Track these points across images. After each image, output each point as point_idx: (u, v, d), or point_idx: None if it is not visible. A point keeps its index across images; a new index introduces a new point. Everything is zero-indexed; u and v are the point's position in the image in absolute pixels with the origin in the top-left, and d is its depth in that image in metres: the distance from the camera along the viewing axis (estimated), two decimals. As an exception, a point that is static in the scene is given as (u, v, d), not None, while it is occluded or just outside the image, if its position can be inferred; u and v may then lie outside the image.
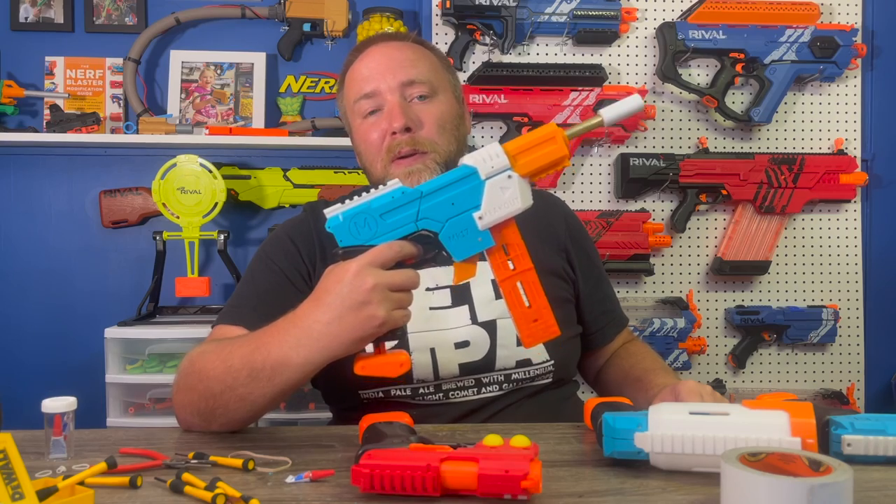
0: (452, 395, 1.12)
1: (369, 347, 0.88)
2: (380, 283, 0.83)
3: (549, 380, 1.15)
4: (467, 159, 0.85)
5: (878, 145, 2.29)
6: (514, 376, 1.12)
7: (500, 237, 0.86)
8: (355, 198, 0.87)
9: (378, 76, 1.14)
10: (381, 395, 1.11)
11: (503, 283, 0.87)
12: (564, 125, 0.87)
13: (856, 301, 2.25)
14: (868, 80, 2.27)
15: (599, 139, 2.15)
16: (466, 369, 1.11)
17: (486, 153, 0.85)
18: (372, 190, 0.87)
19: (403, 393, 1.11)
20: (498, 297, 1.10)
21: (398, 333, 0.88)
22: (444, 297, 1.14)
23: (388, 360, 0.87)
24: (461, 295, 1.13)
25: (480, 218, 0.85)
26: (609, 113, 0.87)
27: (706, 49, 2.14)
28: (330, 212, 0.87)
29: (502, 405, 1.13)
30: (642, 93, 2.14)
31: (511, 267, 0.86)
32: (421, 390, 1.11)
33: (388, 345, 0.89)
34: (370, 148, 1.15)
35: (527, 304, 0.86)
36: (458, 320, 1.12)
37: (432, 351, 1.10)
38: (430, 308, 1.12)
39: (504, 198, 0.84)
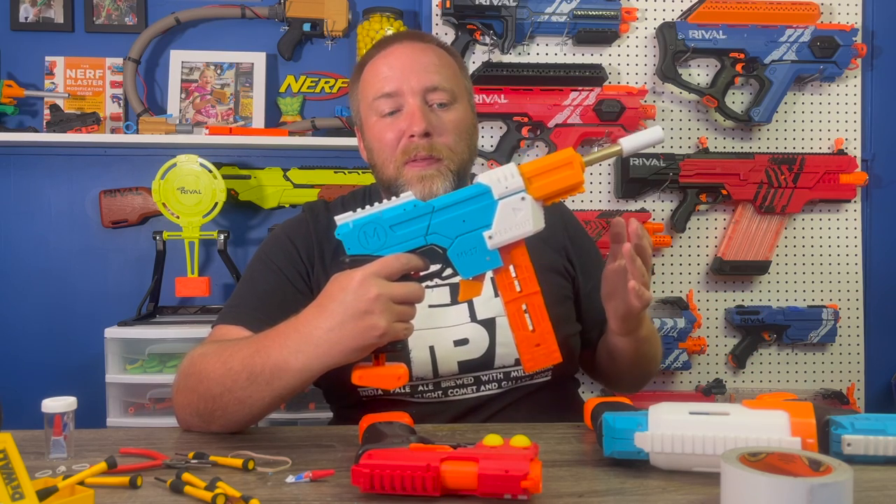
0: (451, 392, 1.12)
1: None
2: (383, 293, 0.83)
3: (549, 377, 1.15)
4: (482, 178, 0.86)
5: (878, 145, 2.29)
6: (513, 374, 1.13)
7: (508, 258, 0.86)
8: (367, 207, 0.87)
9: (401, 76, 1.12)
10: (380, 392, 1.11)
11: (508, 304, 0.87)
12: (585, 149, 0.88)
13: (856, 301, 2.25)
14: (868, 80, 2.28)
15: (600, 139, 2.15)
16: (465, 367, 1.11)
17: (502, 173, 0.85)
18: (384, 200, 0.87)
19: (403, 391, 1.11)
20: (497, 294, 1.10)
21: (398, 347, 0.88)
22: (444, 295, 1.14)
23: (386, 371, 0.87)
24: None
25: (490, 237, 0.85)
26: (629, 143, 0.88)
27: (706, 49, 2.14)
28: (341, 219, 0.87)
29: (502, 403, 1.13)
30: (642, 93, 2.14)
31: (518, 289, 0.87)
32: (420, 388, 1.11)
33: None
34: (384, 147, 1.14)
35: (530, 327, 0.87)
36: (458, 318, 1.13)
37: (431, 349, 1.10)
38: (430, 306, 1.12)
39: (516, 219, 0.85)
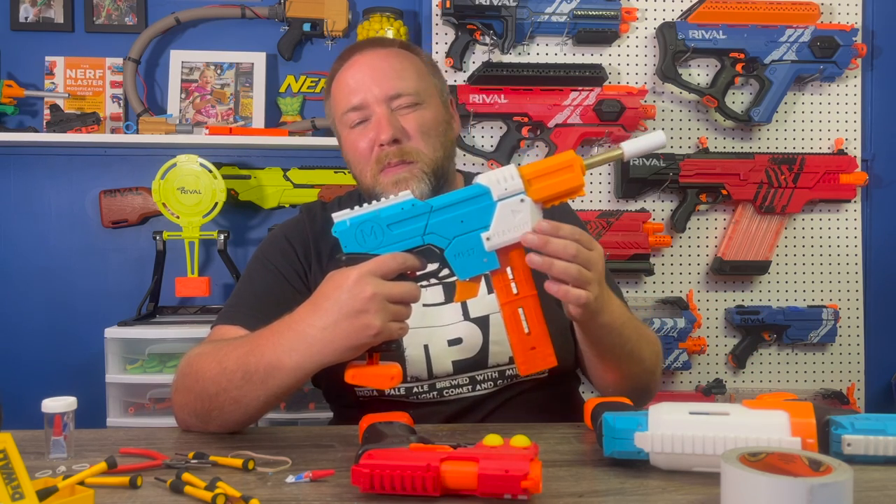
0: (447, 392, 1.12)
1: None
2: (379, 292, 0.83)
3: (545, 374, 1.13)
4: (482, 178, 0.85)
5: (878, 145, 2.29)
6: (507, 372, 1.12)
7: (506, 260, 0.86)
8: (365, 205, 0.87)
9: (364, 88, 1.13)
10: (375, 393, 1.11)
11: (504, 306, 0.87)
12: (584, 153, 0.87)
13: (856, 301, 2.25)
14: (868, 80, 2.28)
15: (599, 139, 2.14)
16: (460, 367, 1.11)
17: (501, 174, 0.85)
18: (382, 199, 0.87)
19: (398, 392, 1.11)
20: (490, 291, 1.10)
21: (393, 346, 0.88)
22: (437, 294, 1.14)
23: (379, 371, 0.87)
24: (454, 291, 1.13)
25: (488, 239, 0.85)
26: (630, 147, 0.88)
27: (706, 49, 2.14)
28: (338, 216, 0.87)
29: (497, 402, 1.13)
30: (642, 93, 2.14)
31: (514, 291, 0.86)
32: (415, 389, 1.11)
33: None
34: (359, 157, 1.15)
35: (526, 330, 0.86)
36: (451, 317, 1.13)
37: (426, 348, 1.10)
38: (424, 305, 1.12)
39: (514, 221, 0.84)
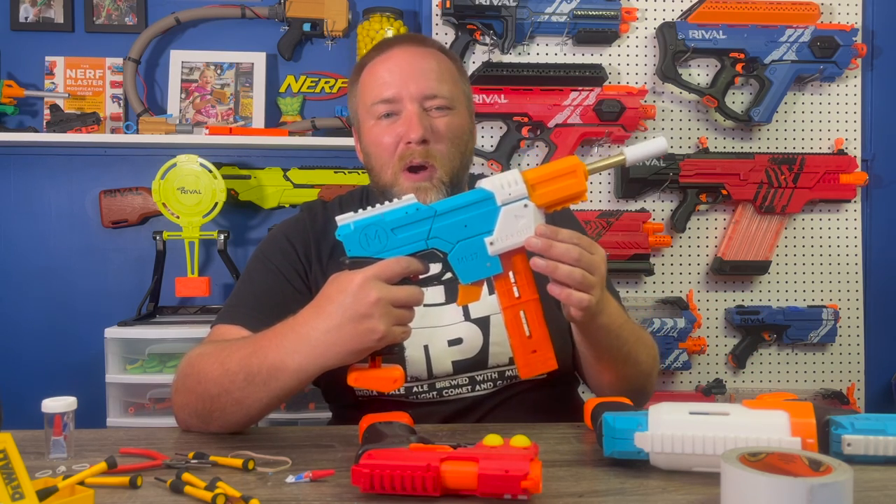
0: (446, 392, 1.12)
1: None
2: (383, 297, 0.83)
3: (544, 375, 1.14)
4: (485, 183, 0.86)
5: (878, 145, 2.29)
6: (507, 373, 1.12)
7: (508, 264, 0.87)
8: (368, 208, 0.87)
9: (400, 83, 1.12)
10: (374, 393, 1.11)
11: (506, 310, 0.87)
12: (586, 160, 0.88)
13: (856, 301, 2.25)
14: (868, 80, 2.28)
15: (599, 139, 2.14)
16: (460, 367, 1.11)
17: (505, 179, 0.85)
18: (386, 202, 0.87)
19: (397, 392, 1.11)
20: (491, 292, 1.10)
21: (395, 350, 0.89)
22: (438, 294, 1.14)
23: (382, 374, 0.87)
24: (455, 291, 1.13)
25: (492, 243, 0.85)
26: (632, 153, 0.89)
27: (706, 49, 2.14)
28: (342, 220, 0.87)
29: (497, 402, 1.13)
30: (642, 93, 2.14)
31: (516, 294, 0.87)
32: (415, 389, 1.11)
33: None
34: (382, 152, 1.13)
35: (527, 333, 0.87)
36: (452, 317, 1.12)
37: (426, 348, 1.10)
38: (425, 305, 1.12)
39: (517, 226, 0.85)
